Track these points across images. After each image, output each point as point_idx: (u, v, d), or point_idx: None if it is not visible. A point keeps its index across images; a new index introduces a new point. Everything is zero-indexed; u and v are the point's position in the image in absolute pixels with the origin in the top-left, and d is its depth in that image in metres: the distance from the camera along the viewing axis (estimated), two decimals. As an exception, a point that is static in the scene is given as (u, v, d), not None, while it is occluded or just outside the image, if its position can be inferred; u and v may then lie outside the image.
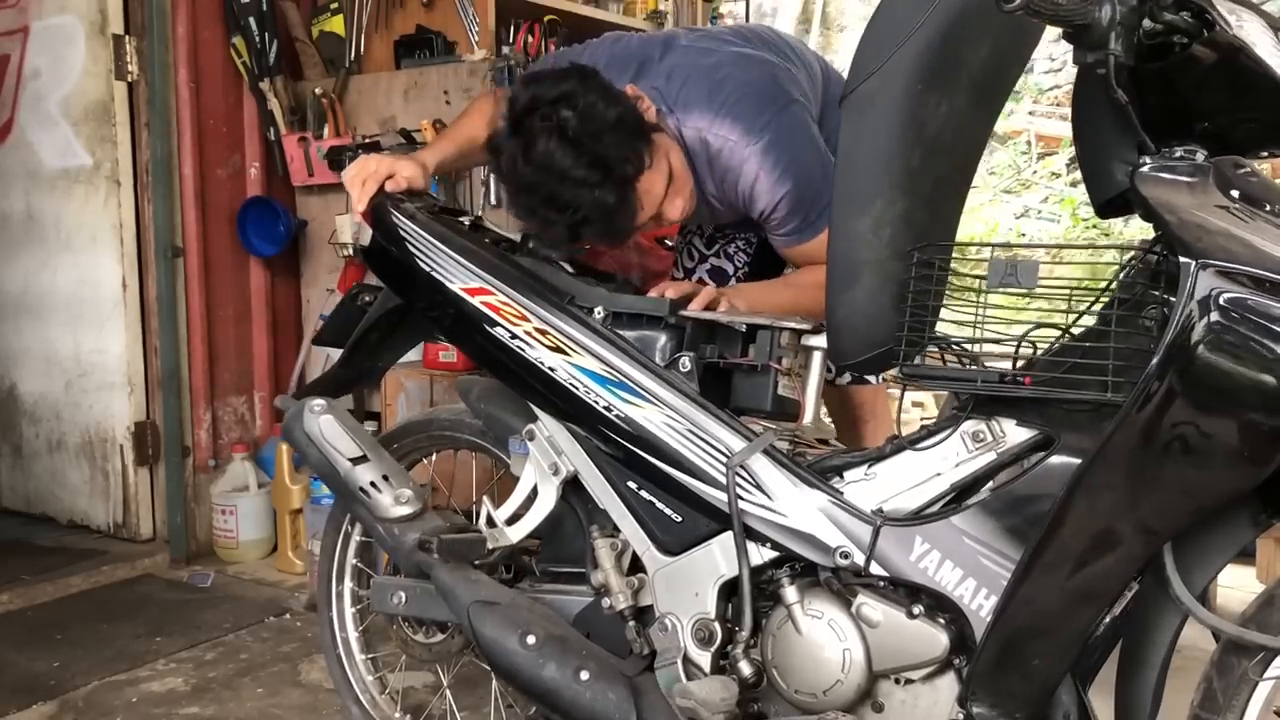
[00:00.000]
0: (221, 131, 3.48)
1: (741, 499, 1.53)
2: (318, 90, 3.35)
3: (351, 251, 3.20)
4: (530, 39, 3.00)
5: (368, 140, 3.23)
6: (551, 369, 1.67)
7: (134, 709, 2.39)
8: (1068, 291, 1.36)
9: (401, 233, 1.80)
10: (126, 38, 3.33)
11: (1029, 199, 6.45)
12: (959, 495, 1.45)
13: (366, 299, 1.96)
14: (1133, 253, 1.32)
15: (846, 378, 2.32)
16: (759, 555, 1.55)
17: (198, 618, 2.91)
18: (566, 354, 1.66)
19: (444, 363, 2.88)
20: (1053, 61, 6.74)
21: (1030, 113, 6.66)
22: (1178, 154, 1.27)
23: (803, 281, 1.96)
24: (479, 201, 3.05)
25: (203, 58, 3.40)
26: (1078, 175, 5.81)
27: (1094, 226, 5.64)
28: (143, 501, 3.46)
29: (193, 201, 3.38)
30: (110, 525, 3.51)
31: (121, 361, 3.40)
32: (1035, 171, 6.52)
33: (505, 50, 3.05)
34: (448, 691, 2.10)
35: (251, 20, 3.38)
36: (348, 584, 2.15)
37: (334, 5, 3.43)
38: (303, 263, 3.61)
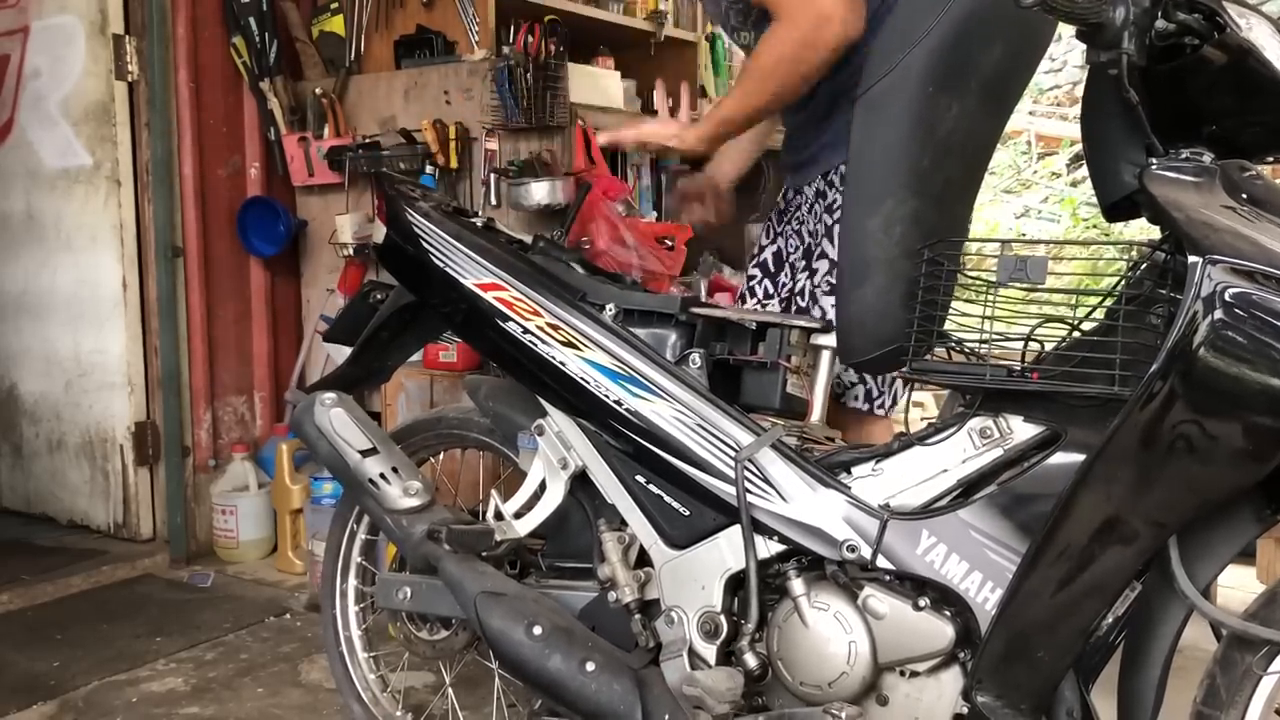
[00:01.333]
0: (221, 131, 3.49)
1: (749, 493, 1.55)
2: (318, 90, 3.36)
3: (351, 251, 3.21)
4: (530, 39, 3.01)
5: (368, 140, 3.24)
6: (562, 363, 1.69)
7: (134, 709, 2.39)
8: (1075, 288, 1.38)
9: (416, 230, 1.82)
10: (126, 38, 3.33)
11: (1029, 199, 6.47)
12: (966, 491, 1.46)
13: (378, 296, 1.98)
14: (1141, 248, 1.34)
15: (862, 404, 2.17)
16: (766, 549, 1.56)
17: (198, 618, 2.91)
18: (578, 349, 1.68)
19: (444, 363, 2.89)
20: (1053, 61, 6.76)
21: (1030, 113, 6.68)
22: (1184, 155, 1.29)
23: (748, 67, 1.97)
24: (479, 202, 3.06)
25: (203, 58, 3.41)
26: (1078, 175, 5.84)
27: (1094, 226, 5.67)
28: (143, 501, 3.46)
29: (193, 201, 3.38)
30: (110, 525, 3.50)
31: (121, 361, 3.41)
32: (1035, 171, 6.55)
33: (505, 50, 3.05)
34: (449, 690, 2.11)
35: (251, 20, 3.39)
36: (351, 581, 2.16)
37: (334, 5, 3.44)
38: (303, 263, 3.62)
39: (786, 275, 2.21)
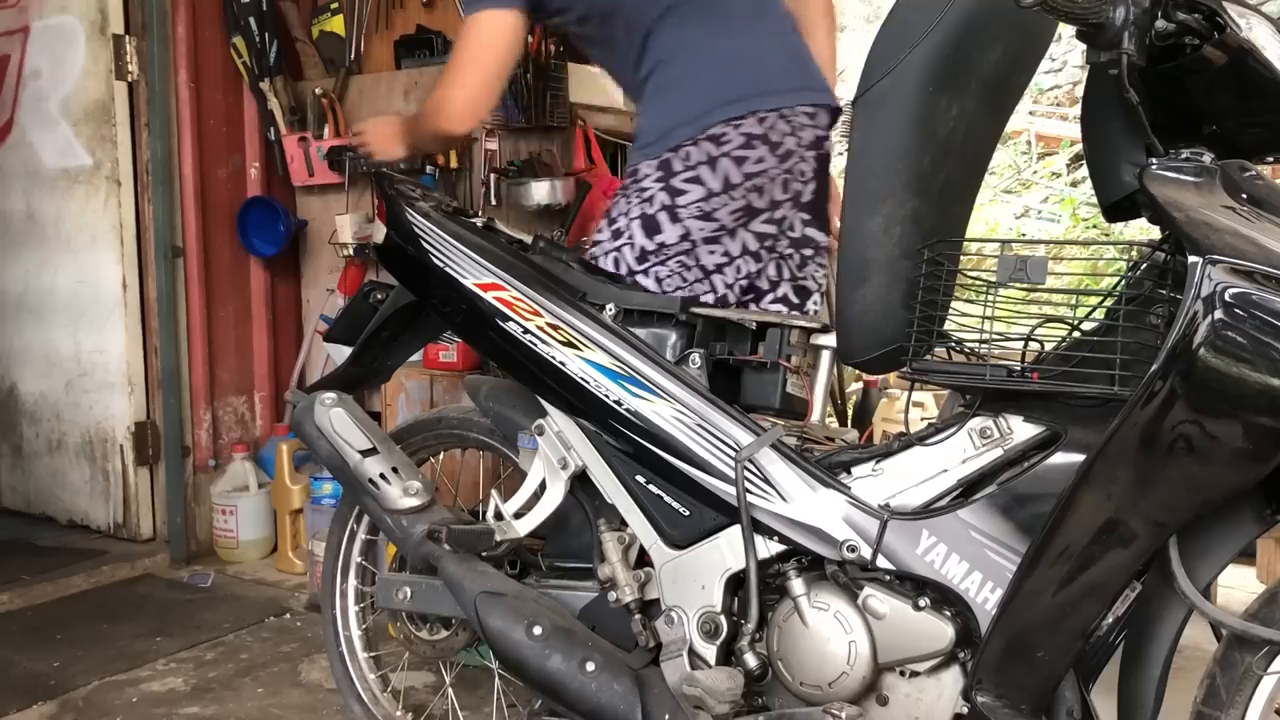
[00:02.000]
0: (221, 131, 3.49)
1: (749, 493, 1.55)
2: (318, 90, 3.37)
3: (351, 251, 3.21)
4: (530, 39, 3.01)
5: (368, 140, 3.24)
6: (562, 363, 1.69)
7: (134, 709, 2.39)
8: (1075, 288, 1.38)
9: (416, 230, 1.82)
10: (126, 38, 3.34)
11: (1029, 199, 6.49)
12: (966, 491, 1.46)
13: (379, 296, 1.98)
14: (1141, 248, 1.34)
15: None
16: (766, 549, 1.56)
17: (198, 618, 2.92)
18: (578, 349, 1.68)
19: (444, 363, 2.89)
20: (1053, 61, 6.78)
21: (1030, 113, 6.70)
22: (1185, 155, 1.29)
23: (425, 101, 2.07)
24: (479, 202, 3.06)
25: (203, 58, 3.42)
26: (1078, 175, 5.85)
27: (1094, 226, 5.68)
28: (143, 501, 3.46)
29: (193, 201, 3.39)
30: (110, 525, 3.51)
31: (121, 361, 3.41)
32: (1035, 171, 6.57)
33: (506, 51, 3.05)
34: (449, 690, 2.11)
35: (251, 20, 3.40)
36: (352, 581, 2.16)
37: (334, 5, 3.44)
38: (303, 263, 3.62)
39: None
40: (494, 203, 3.02)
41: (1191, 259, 1.19)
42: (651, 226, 1.90)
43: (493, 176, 3.02)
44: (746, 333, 1.69)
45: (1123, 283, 1.35)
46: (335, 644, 2.15)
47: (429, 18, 3.33)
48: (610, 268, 1.90)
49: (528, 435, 1.79)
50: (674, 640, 1.64)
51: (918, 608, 1.45)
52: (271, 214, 3.46)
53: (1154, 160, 1.29)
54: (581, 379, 1.68)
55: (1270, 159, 1.40)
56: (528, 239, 1.90)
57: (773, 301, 2.03)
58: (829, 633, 1.49)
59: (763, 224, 1.95)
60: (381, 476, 1.79)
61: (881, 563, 1.47)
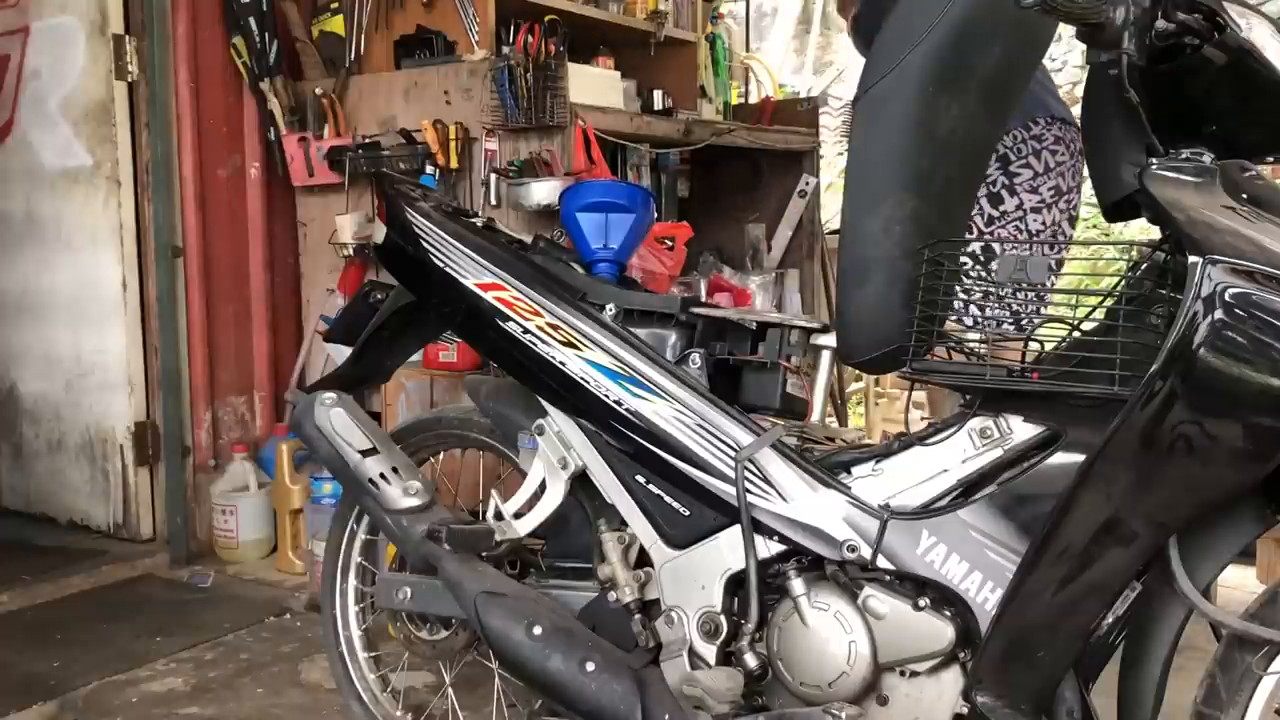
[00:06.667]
0: (221, 131, 3.49)
1: (750, 493, 1.55)
2: (318, 90, 3.36)
3: (351, 251, 3.21)
4: (530, 39, 3.01)
5: (368, 140, 3.24)
6: (563, 363, 1.69)
7: (134, 709, 2.39)
8: (1075, 288, 1.39)
9: (416, 230, 1.82)
10: (126, 38, 3.33)
11: (1028, 200, 6.45)
12: (966, 491, 1.47)
13: (379, 296, 1.98)
14: (1141, 248, 1.34)
15: None
16: (766, 549, 1.57)
17: (198, 618, 2.91)
18: (578, 349, 1.68)
19: (444, 363, 2.89)
20: (1053, 61, 6.77)
21: (1031, 112, 6.67)
22: (1185, 155, 1.29)
23: None
24: (479, 202, 3.06)
25: (203, 58, 3.41)
26: (1077, 175, 5.82)
27: (1094, 227, 5.68)
28: (143, 501, 3.46)
29: (193, 201, 3.38)
30: (110, 525, 3.50)
31: (121, 361, 3.40)
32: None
33: (505, 50, 3.05)
34: (449, 690, 2.11)
35: (251, 20, 3.39)
36: (351, 581, 2.16)
37: (334, 5, 3.44)
38: (303, 263, 3.62)
39: None
40: (494, 203, 3.01)
41: (1191, 259, 1.19)
42: (995, 199, 2.33)
43: (493, 176, 3.02)
44: (746, 333, 1.69)
45: (1123, 283, 1.35)
46: (335, 644, 2.15)
47: (429, 18, 3.33)
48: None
49: (528, 435, 1.79)
50: (674, 640, 1.64)
51: (918, 608, 1.45)
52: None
53: (1154, 160, 1.29)
54: (582, 379, 1.68)
55: (1270, 159, 1.41)
56: (528, 239, 1.90)
57: None
58: (829, 633, 1.50)
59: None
60: (381, 476, 1.79)
61: (881, 563, 1.47)
